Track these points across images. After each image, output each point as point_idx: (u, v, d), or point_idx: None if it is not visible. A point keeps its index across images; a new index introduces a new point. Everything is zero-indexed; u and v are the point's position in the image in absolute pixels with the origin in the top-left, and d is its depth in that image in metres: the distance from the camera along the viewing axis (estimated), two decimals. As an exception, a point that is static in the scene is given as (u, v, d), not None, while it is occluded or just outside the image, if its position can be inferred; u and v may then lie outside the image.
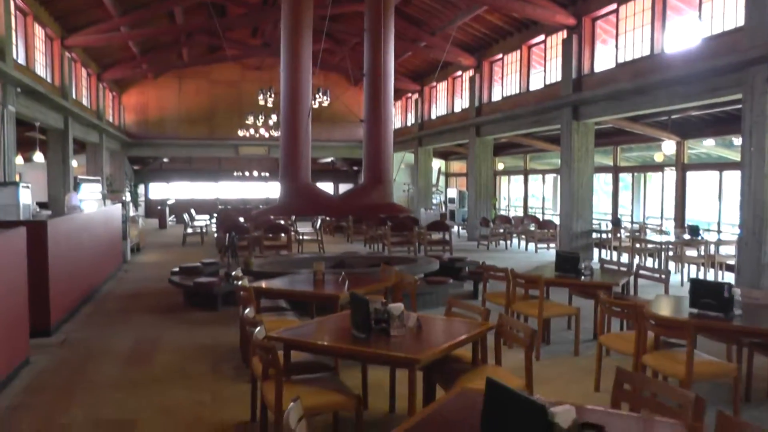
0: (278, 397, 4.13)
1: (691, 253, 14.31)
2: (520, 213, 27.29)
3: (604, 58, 17.22)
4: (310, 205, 11.23)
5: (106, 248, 13.23)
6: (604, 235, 18.19)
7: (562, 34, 18.23)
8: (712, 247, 14.05)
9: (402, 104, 32.23)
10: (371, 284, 7.40)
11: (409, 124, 31.17)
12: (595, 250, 17.87)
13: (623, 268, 9.18)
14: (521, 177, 28.08)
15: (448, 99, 26.90)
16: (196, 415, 5.59)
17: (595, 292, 8.45)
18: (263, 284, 7.33)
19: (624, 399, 3.59)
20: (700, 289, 5.85)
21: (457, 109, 26.02)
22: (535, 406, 2.44)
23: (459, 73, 25.39)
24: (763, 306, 6.25)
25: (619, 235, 17.23)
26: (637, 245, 15.70)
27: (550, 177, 27.10)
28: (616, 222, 18.61)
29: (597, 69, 17.04)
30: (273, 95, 19.08)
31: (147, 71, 28.07)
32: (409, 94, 30.91)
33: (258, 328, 4.55)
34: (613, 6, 16.28)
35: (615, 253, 17.21)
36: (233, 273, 7.53)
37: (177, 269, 11.89)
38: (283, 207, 11.34)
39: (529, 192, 27.54)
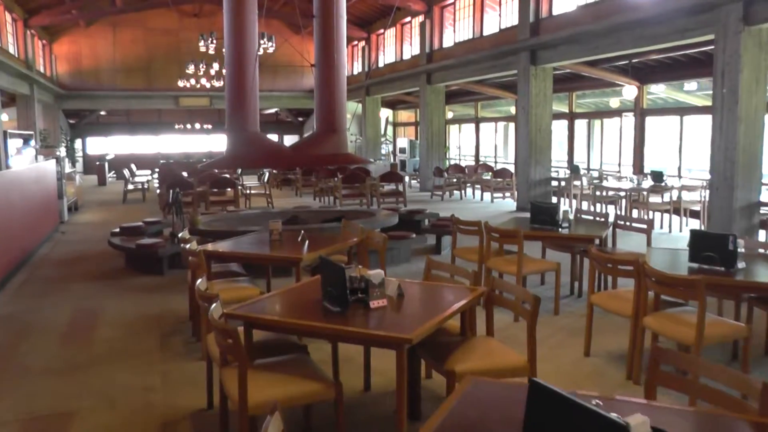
0: (242, 388, 3.45)
1: (654, 199, 13.97)
2: (471, 162, 26.82)
3: (563, 0, 16.60)
4: (260, 156, 10.42)
5: (40, 209, 12.25)
6: (563, 184, 17.75)
7: (518, -25, 17.54)
8: (676, 193, 13.71)
9: (348, 52, 31.17)
10: (333, 243, 6.72)
11: (356, 72, 30.20)
12: (553, 199, 17.44)
13: (599, 219, 8.68)
14: (472, 125, 27.50)
15: (396, 46, 26.03)
16: (145, 402, 4.87)
17: (573, 246, 7.96)
18: (214, 247, 6.59)
19: (661, 383, 3.00)
20: (700, 241, 5.35)
21: (407, 56, 25.20)
22: (615, 425, 1.83)
23: (408, 19, 24.48)
24: (762, 257, 5.79)
25: (578, 182, 16.81)
26: (599, 193, 15.30)
27: (501, 125, 26.62)
28: (575, 169, 18.19)
29: (556, 11, 16.40)
30: (215, 41, 17.98)
31: (78, 17, 26.37)
32: (356, 42, 29.90)
33: (213, 305, 3.83)
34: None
35: (574, 202, 16.83)
36: (180, 234, 6.75)
37: (117, 230, 11.01)
38: (231, 159, 10.50)
39: (480, 141, 27.00)
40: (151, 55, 30.69)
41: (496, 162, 25.78)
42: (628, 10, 13.49)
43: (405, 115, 33.50)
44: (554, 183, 17.68)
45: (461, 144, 29.11)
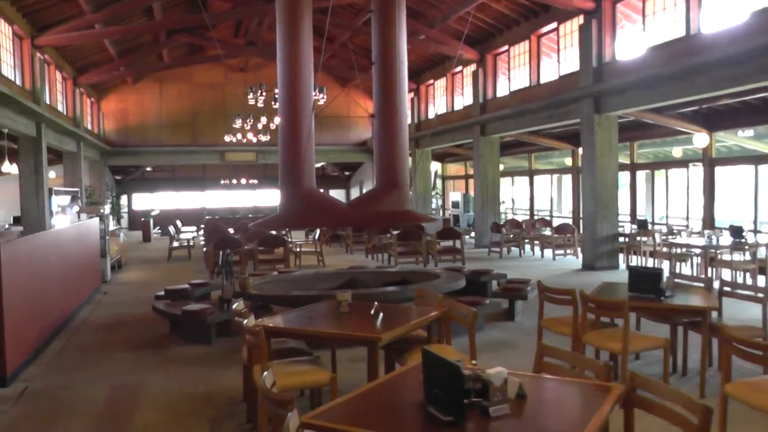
0: None
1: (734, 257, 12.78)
2: (525, 216, 25.78)
3: (628, 44, 15.73)
4: (317, 215, 9.57)
5: (81, 269, 11.55)
6: (624, 239, 16.58)
7: (578, 20, 16.75)
8: (763, 251, 12.52)
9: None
10: (410, 317, 5.76)
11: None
12: (620, 257, 16.30)
13: (698, 283, 7.61)
14: (525, 178, 26.53)
15: (447, 96, 25.32)
16: None
17: (674, 317, 6.91)
18: (274, 322, 5.68)
19: None
20: None
21: (458, 106, 24.44)
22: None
23: (459, 68, 23.80)
24: None
25: (649, 239, 15.69)
26: (675, 250, 14.15)
27: (555, 177, 25.64)
28: (642, 224, 17.05)
29: (620, 56, 15.52)
30: (264, 93, 17.40)
31: (125, 74, 26.27)
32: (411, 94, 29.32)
33: (290, 416, 2.90)
34: (639, -16, 14.81)
35: (643, 259, 15.72)
36: (234, 306, 5.87)
37: (162, 293, 10.21)
38: (286, 218, 9.67)
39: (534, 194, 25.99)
40: (196, 110, 30.49)
41: (552, 216, 24.72)
42: (703, 51, 12.55)
43: (454, 168, 32.69)
44: (620, 239, 16.53)
45: (513, 197, 28.08)
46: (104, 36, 19.69)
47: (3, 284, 6.77)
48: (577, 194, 22.65)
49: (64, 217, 11.41)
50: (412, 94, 27.70)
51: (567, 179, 26.16)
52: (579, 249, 18.13)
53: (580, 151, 19.00)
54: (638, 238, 15.89)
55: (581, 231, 18.32)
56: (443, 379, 3.08)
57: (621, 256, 16.34)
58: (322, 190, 33.21)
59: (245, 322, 5.07)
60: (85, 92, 25.80)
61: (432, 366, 3.23)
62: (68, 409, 6.18)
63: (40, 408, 6.23)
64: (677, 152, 21.03)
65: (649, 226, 17.32)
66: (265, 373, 3.50)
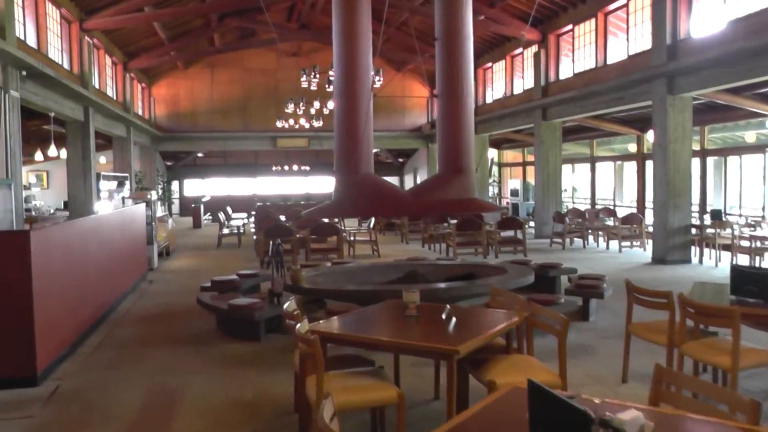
0: None
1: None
2: (586, 206, 24.71)
3: (705, 18, 14.59)
4: (376, 203, 8.80)
5: (125, 257, 11.02)
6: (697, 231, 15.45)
7: (651, -6, 15.67)
8: None
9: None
10: (487, 323, 4.96)
11: (460, 110, 28.53)
12: (693, 249, 15.20)
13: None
14: (586, 165, 25.41)
15: (506, 80, 24.29)
16: None
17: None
18: (331, 327, 4.93)
19: None
20: None
21: (518, 90, 23.41)
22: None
23: (519, 50, 22.76)
24: None
25: (723, 231, 14.61)
26: (756, 244, 13.06)
27: (611, 164, 24.50)
28: (716, 214, 15.91)
29: (697, 32, 14.40)
30: (318, 75, 16.67)
31: (176, 59, 25.87)
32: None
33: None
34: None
35: (719, 253, 14.64)
36: (285, 305, 5.13)
37: (208, 284, 9.58)
38: (341, 206, 8.93)
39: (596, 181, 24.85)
40: (248, 96, 30.01)
41: (614, 205, 23.59)
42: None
43: (510, 155, 31.65)
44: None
45: (575, 185, 26.97)
46: (154, 19, 19.23)
47: (33, 275, 6.18)
48: (642, 182, 21.53)
49: (107, 203, 10.88)
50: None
51: (628, 167, 25.04)
52: (647, 241, 17.12)
53: (648, 136, 17.94)
54: (713, 230, 14.80)
55: (648, 221, 17.39)
56: (560, 423, 2.29)
57: (694, 249, 15.23)
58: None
59: (298, 327, 4.33)
60: (136, 77, 25.48)
61: (544, 405, 2.43)
62: (100, 413, 5.57)
63: (69, 412, 5.62)
64: (750, 137, 19.79)
65: (723, 217, 16.18)
66: (324, 403, 2.74)
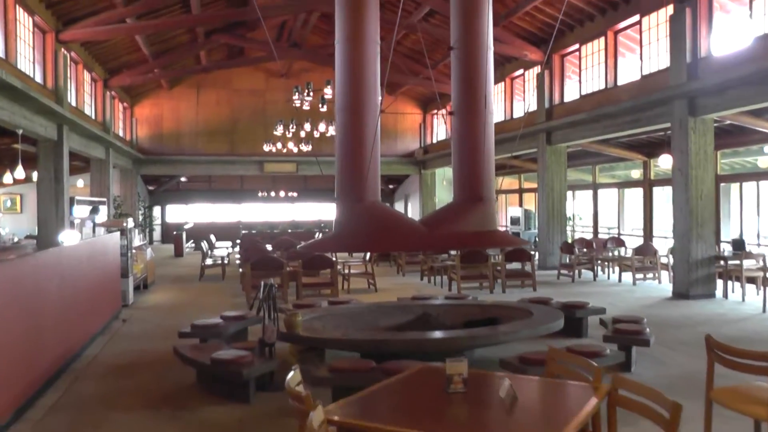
0: None
1: None
2: (588, 234, 23.62)
3: (729, 35, 13.59)
4: (387, 237, 7.53)
5: (95, 294, 9.69)
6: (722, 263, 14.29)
7: (666, 11, 14.64)
8: None
9: (447, 113, 28.46)
10: (567, 411, 3.70)
11: (455, 134, 27.35)
12: (718, 282, 14.03)
13: None
14: (587, 192, 24.30)
15: (506, 103, 23.19)
16: None
17: None
18: (354, 410, 3.64)
19: None
20: None
21: (518, 113, 22.31)
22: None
23: (520, 71, 21.68)
24: None
25: (755, 262, 13.51)
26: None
27: (613, 191, 23.41)
28: (738, 245, 14.77)
29: (719, 50, 13.38)
30: (311, 93, 15.45)
31: (160, 77, 24.57)
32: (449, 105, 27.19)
33: None
34: (745, -32, 12.65)
35: (751, 288, 13.55)
36: (288, 379, 3.82)
37: (188, 329, 8.25)
38: (345, 239, 7.63)
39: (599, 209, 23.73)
40: (235, 118, 28.75)
41: (619, 233, 22.50)
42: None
43: (507, 182, 30.50)
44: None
45: (579, 213, 25.85)
46: (136, 31, 17.97)
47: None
48: (649, 210, 20.45)
49: (74, 233, 9.58)
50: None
51: (630, 193, 24.07)
52: (663, 273, 15.98)
53: (661, 161, 16.85)
54: (739, 262, 13.67)
55: (661, 252, 16.31)
56: None
57: (719, 283, 14.06)
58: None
59: (310, 419, 3.04)
60: (117, 96, 24.19)
61: None
62: None
63: None
64: (764, 162, 18.89)
65: (747, 247, 15.06)
66: None
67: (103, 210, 19.83)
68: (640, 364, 7.86)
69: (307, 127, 20.51)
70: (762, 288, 12.60)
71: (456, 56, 8.29)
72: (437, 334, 7.19)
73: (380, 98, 8.52)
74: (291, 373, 3.77)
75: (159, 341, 9.39)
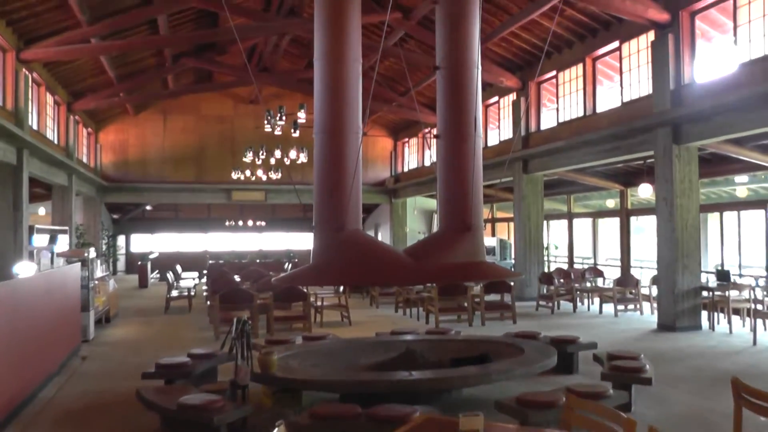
0: None
1: None
2: (563, 264, 23.29)
3: (713, 61, 13.38)
4: (370, 269, 6.93)
5: (50, 330, 8.95)
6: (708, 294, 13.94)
7: (647, 37, 14.42)
8: None
9: (419, 142, 28.15)
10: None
11: (427, 163, 26.94)
12: (703, 314, 13.66)
13: None
14: (563, 222, 24.00)
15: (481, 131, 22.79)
16: None
17: None
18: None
19: None
20: None
21: (493, 141, 21.96)
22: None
23: (495, 99, 21.35)
24: None
25: (741, 293, 13.20)
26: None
27: (587, 221, 23.17)
28: (722, 275, 14.43)
29: (703, 76, 13.17)
30: (284, 117, 14.88)
31: (126, 101, 23.79)
32: (427, 129, 26.82)
33: None
34: (726, -10, 12.47)
35: (736, 319, 13.24)
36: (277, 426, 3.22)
37: (152, 369, 7.57)
38: (325, 272, 7.00)
39: (574, 239, 23.41)
40: (203, 145, 28.02)
41: (595, 263, 22.20)
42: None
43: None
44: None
45: (556, 244, 25.53)
46: (101, 52, 17.26)
47: None
48: (626, 240, 20.16)
49: (30, 265, 8.86)
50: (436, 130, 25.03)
51: (603, 223, 23.88)
52: (645, 304, 15.63)
53: (641, 190, 16.60)
54: (721, 293, 13.35)
55: (643, 282, 16.03)
56: None
57: (704, 314, 13.70)
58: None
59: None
60: (81, 121, 23.37)
61: None
62: None
63: None
64: (741, 192, 18.77)
65: (732, 278, 14.74)
66: None
67: (65, 239, 18.99)
68: (639, 403, 7.38)
69: (278, 154, 19.92)
70: (752, 320, 12.24)
71: (442, 76, 7.81)
72: (426, 373, 6.61)
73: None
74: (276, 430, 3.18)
75: (120, 381, 8.69)
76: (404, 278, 8.26)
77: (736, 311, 13.35)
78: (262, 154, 20.14)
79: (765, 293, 13.27)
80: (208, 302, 14.07)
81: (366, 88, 7.70)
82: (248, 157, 20.04)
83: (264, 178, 23.34)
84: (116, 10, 15.90)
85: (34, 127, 17.46)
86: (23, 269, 8.77)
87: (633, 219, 20.87)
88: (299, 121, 15.30)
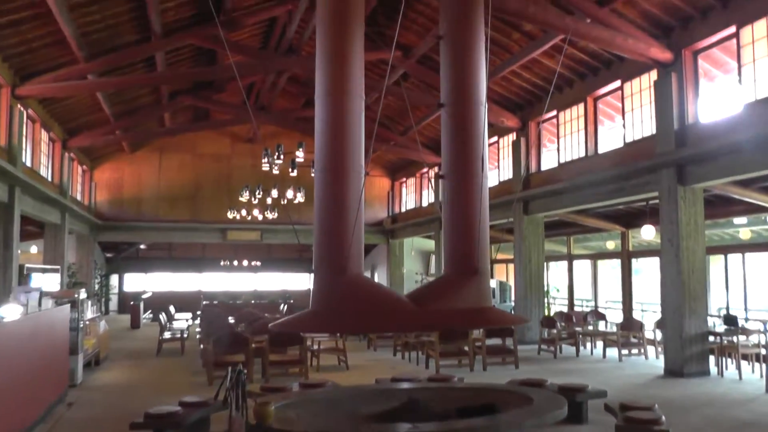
0: None
1: None
2: (563, 307, 22.99)
3: (717, 100, 13.22)
4: (374, 315, 6.56)
5: (35, 376, 8.54)
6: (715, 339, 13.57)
7: (650, 76, 14.28)
8: None
9: (416, 182, 27.95)
10: None
11: (425, 204, 26.70)
12: (711, 359, 13.28)
13: None
14: (562, 264, 23.71)
15: (479, 171, 22.57)
16: None
17: None
18: None
19: None
20: None
21: (492, 182, 21.69)
22: None
23: (494, 138, 21.17)
24: None
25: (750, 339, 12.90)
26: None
27: (589, 263, 22.92)
28: (730, 320, 14.08)
29: (707, 116, 13.02)
30: (282, 156, 14.61)
31: (122, 139, 23.47)
32: (426, 169, 26.63)
33: None
34: (732, 29, 12.30)
35: (746, 364, 12.90)
36: None
37: (141, 419, 7.16)
38: (326, 319, 6.59)
39: (574, 281, 23.08)
40: (199, 184, 27.70)
41: (596, 305, 21.88)
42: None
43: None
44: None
45: (555, 286, 25.22)
46: (98, 88, 17.03)
47: None
48: (628, 282, 19.86)
49: (17, 307, 8.51)
50: (436, 169, 24.81)
51: (604, 265, 23.64)
52: (649, 348, 15.29)
53: (644, 232, 16.36)
54: (729, 338, 13.02)
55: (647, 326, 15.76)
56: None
57: (712, 359, 13.33)
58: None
59: None
60: (76, 158, 23.11)
61: None
62: None
63: None
64: (745, 234, 18.57)
65: (740, 322, 14.41)
66: None
67: (57, 278, 18.58)
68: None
69: (275, 193, 19.62)
70: (762, 366, 11.89)
71: (447, 114, 7.54)
72: (431, 425, 6.23)
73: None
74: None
75: (108, 429, 8.27)
76: (409, 326, 7.91)
77: (745, 356, 13.01)
78: (259, 194, 19.82)
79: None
80: (202, 345, 13.63)
81: (366, 127, 7.42)
82: (245, 197, 19.72)
83: (260, 217, 23.03)
84: (114, 46, 15.71)
85: (28, 164, 17.19)
86: (9, 312, 8.40)
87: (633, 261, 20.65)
88: (297, 160, 15.05)
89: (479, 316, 7.13)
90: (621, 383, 11.99)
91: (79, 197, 24.00)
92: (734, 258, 17.19)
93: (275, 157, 14.54)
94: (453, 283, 7.16)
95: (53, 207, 19.56)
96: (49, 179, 19.75)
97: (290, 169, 15.21)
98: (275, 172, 15.13)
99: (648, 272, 21.89)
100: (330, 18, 7.10)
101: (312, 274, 6.95)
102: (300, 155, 14.90)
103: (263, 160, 14.75)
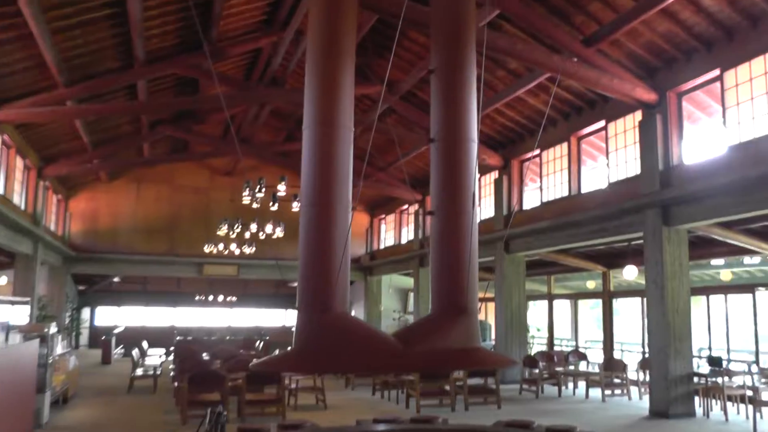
0: None
1: None
2: (542, 346, 22.86)
3: (701, 142, 13.25)
4: (360, 355, 6.29)
5: None
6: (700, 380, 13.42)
7: (634, 117, 14.31)
8: None
9: (396, 218, 27.76)
10: None
11: (405, 241, 26.47)
12: (696, 400, 13.11)
13: None
14: (542, 303, 23.59)
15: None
16: None
17: None
18: None
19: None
20: None
21: (474, 220, 21.52)
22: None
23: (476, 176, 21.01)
24: None
25: (729, 381, 12.80)
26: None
27: (566, 302, 22.87)
28: (714, 362, 13.91)
29: (691, 157, 13.08)
30: (263, 189, 14.34)
31: (99, 168, 22.97)
32: (406, 206, 26.47)
33: None
34: (716, 72, 12.35)
35: (732, 405, 12.79)
36: None
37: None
38: (310, 357, 6.30)
39: (554, 321, 22.94)
40: (176, 216, 27.24)
41: (577, 345, 21.76)
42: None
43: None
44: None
45: (536, 326, 25.08)
46: (77, 114, 16.61)
47: None
48: (609, 322, 19.74)
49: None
50: (417, 206, 24.63)
51: (583, 305, 23.61)
52: (633, 389, 15.11)
53: (626, 272, 16.33)
54: (714, 379, 12.88)
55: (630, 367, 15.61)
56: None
57: (697, 400, 13.15)
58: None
59: None
60: (51, 187, 22.56)
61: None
62: None
63: None
64: (726, 275, 18.59)
65: (724, 364, 14.27)
66: None
67: (26, 311, 18.03)
68: None
69: (253, 227, 19.32)
70: (747, 408, 11.76)
71: (437, 149, 7.35)
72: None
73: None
74: None
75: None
76: (394, 365, 7.59)
77: (730, 398, 12.86)
78: (237, 228, 19.51)
79: (762, 380, 12.83)
80: (175, 383, 13.19)
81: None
82: (223, 230, 19.39)
83: (237, 252, 22.66)
84: (96, 72, 15.40)
85: (0, 191, 16.74)
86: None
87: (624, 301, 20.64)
88: (279, 194, 14.77)
89: (468, 356, 6.87)
90: (607, 424, 11.82)
91: (53, 227, 23.45)
92: (716, 299, 17.16)
93: (256, 190, 14.28)
94: (441, 323, 6.90)
95: (25, 237, 19.04)
96: (23, 208, 19.26)
97: (271, 203, 14.94)
98: (255, 206, 14.84)
99: (627, 312, 21.84)
100: (321, 45, 6.91)
101: (291, 311, 6.67)
102: (282, 189, 14.63)
103: (244, 193, 14.47)
